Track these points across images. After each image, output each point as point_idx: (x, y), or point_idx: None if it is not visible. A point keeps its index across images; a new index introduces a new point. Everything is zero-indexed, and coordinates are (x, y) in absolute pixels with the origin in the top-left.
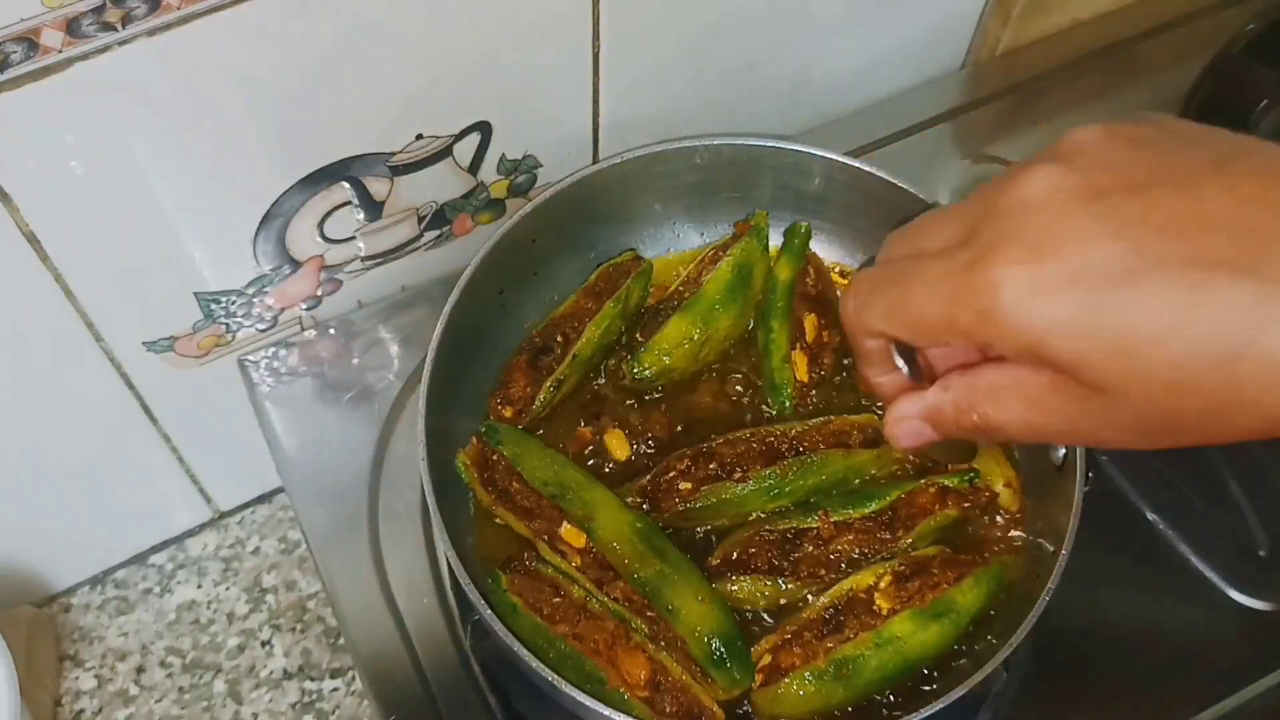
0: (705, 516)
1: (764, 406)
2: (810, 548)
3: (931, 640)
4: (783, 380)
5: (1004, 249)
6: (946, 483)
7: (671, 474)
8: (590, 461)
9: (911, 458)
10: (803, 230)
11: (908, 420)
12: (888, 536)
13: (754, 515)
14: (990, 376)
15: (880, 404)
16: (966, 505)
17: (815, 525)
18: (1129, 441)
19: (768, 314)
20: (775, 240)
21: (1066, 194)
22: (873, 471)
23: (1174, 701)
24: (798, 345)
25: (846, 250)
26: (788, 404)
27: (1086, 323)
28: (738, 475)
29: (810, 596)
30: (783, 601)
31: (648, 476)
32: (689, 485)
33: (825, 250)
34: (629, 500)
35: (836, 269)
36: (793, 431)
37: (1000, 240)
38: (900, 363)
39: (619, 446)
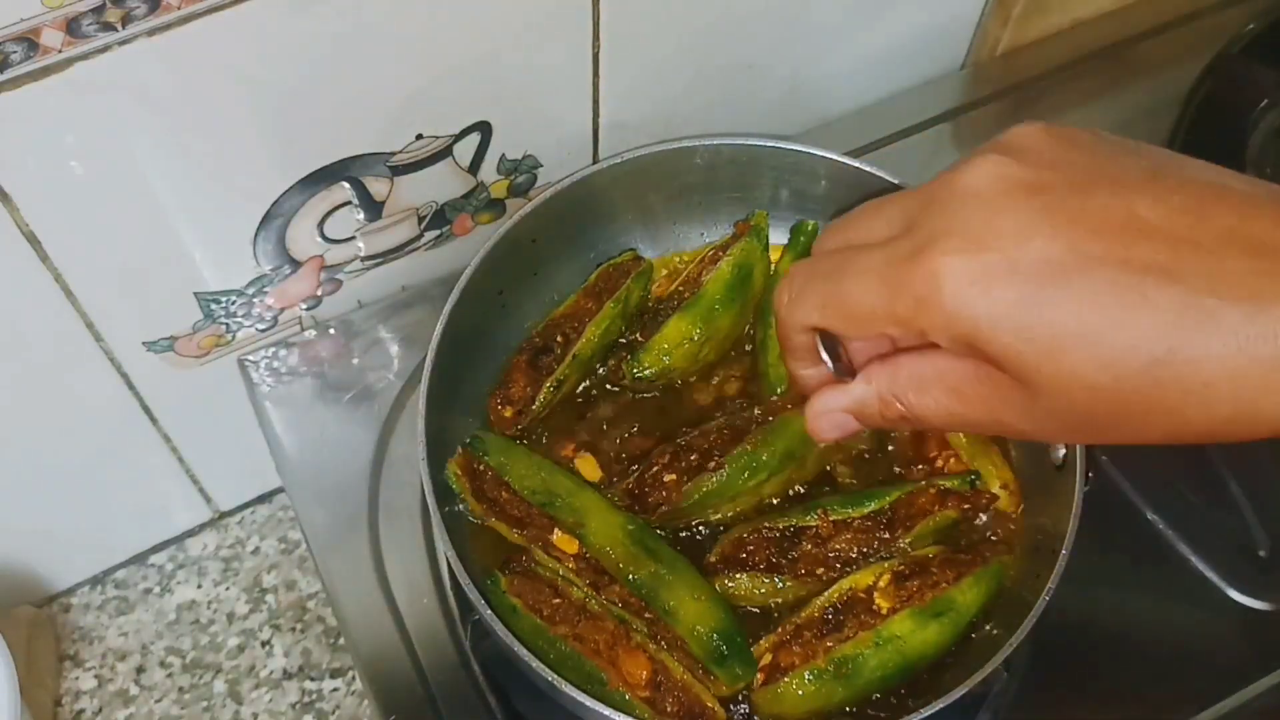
0: (696, 512)
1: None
2: (809, 546)
3: (931, 639)
4: (777, 378)
5: (944, 239)
6: (947, 485)
7: (655, 468)
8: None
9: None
10: (810, 229)
11: (831, 414)
12: (886, 536)
13: (743, 506)
14: (914, 367)
15: None
16: (966, 507)
17: (815, 524)
18: (1049, 434)
19: (765, 309)
20: (776, 239)
21: (1008, 186)
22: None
23: (1174, 701)
24: None
25: None
26: (775, 396)
27: (1021, 317)
28: (713, 464)
29: (808, 595)
30: (780, 599)
31: (632, 479)
32: (673, 477)
33: None
34: (615, 499)
35: None
36: (756, 410)
37: (941, 230)
38: (825, 357)
39: (590, 470)
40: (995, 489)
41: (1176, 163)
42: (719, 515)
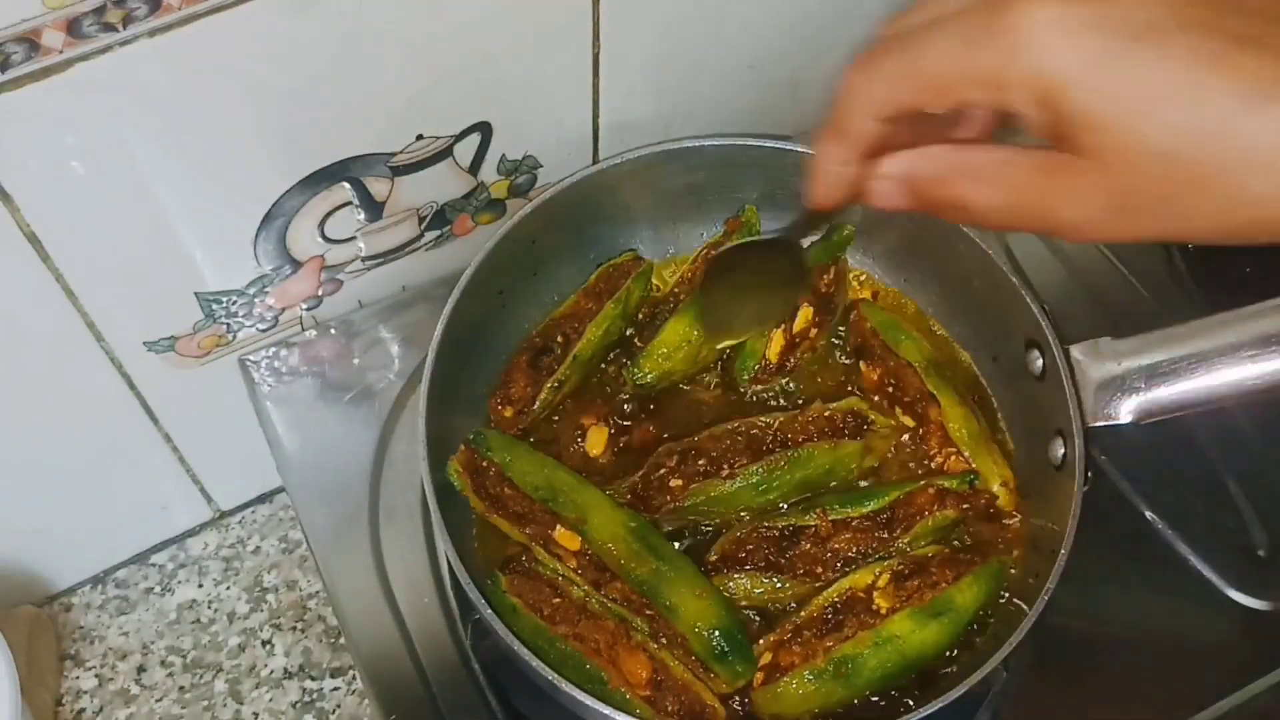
0: (697, 514)
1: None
2: (808, 545)
3: (930, 639)
4: (752, 350)
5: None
6: (946, 484)
7: (662, 471)
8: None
9: (910, 462)
10: (845, 233)
11: (890, 180)
12: (885, 536)
13: (746, 512)
14: (974, 155)
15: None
16: (965, 507)
17: (814, 523)
18: (1100, 221)
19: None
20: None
21: None
22: (856, 465)
23: (1174, 701)
24: (783, 327)
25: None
26: (746, 376)
27: (1106, 71)
28: (725, 472)
29: (807, 594)
30: (779, 599)
31: (638, 475)
32: (679, 483)
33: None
34: (614, 496)
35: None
36: (775, 423)
37: None
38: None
39: (598, 441)
40: (995, 487)
41: None
42: (717, 518)
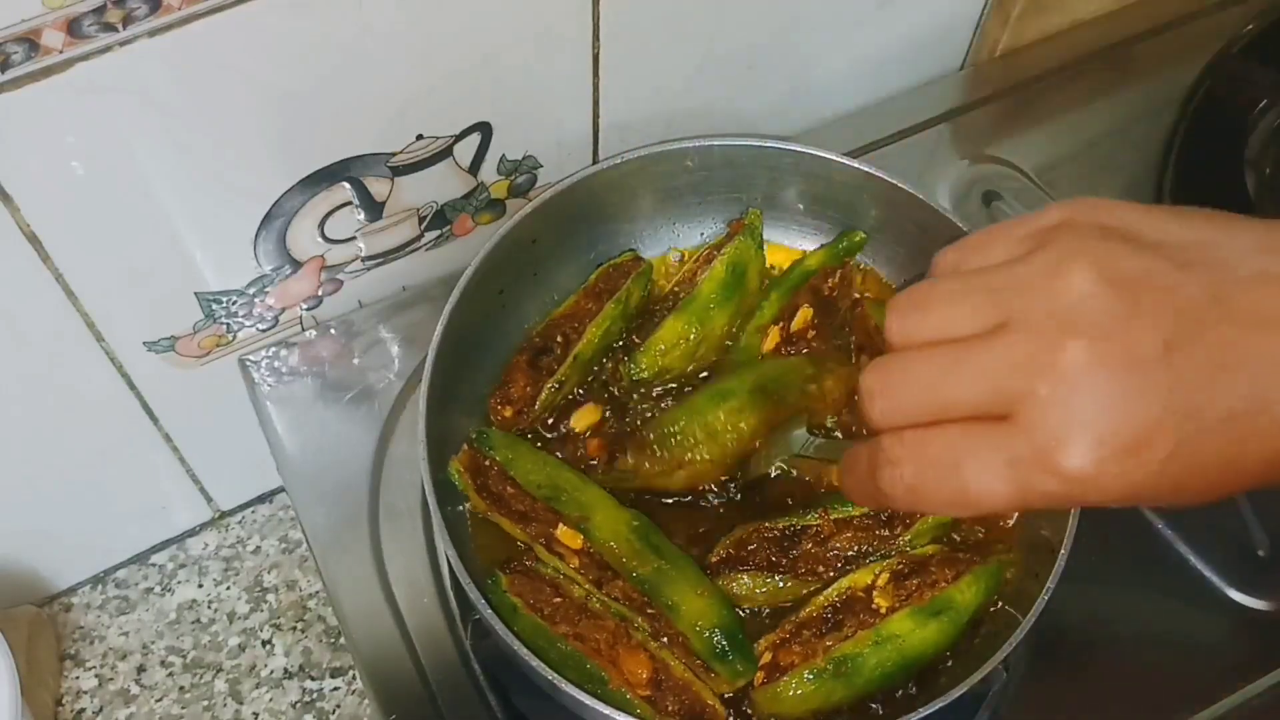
0: (671, 451)
1: None
2: (809, 545)
3: (930, 638)
4: (748, 344)
5: (1060, 433)
6: None
7: (629, 426)
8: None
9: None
10: (856, 239)
11: (906, 481)
12: (886, 534)
13: (726, 443)
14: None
15: None
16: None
17: (816, 523)
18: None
19: (774, 286)
20: (774, 238)
21: (1107, 369)
22: (811, 370)
23: (1174, 701)
24: (780, 324)
25: None
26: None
27: (1152, 486)
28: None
29: (809, 594)
30: (780, 598)
31: (609, 435)
32: (652, 416)
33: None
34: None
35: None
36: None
37: (1051, 423)
38: None
39: (590, 417)
40: None
41: (1230, 263)
42: (697, 458)
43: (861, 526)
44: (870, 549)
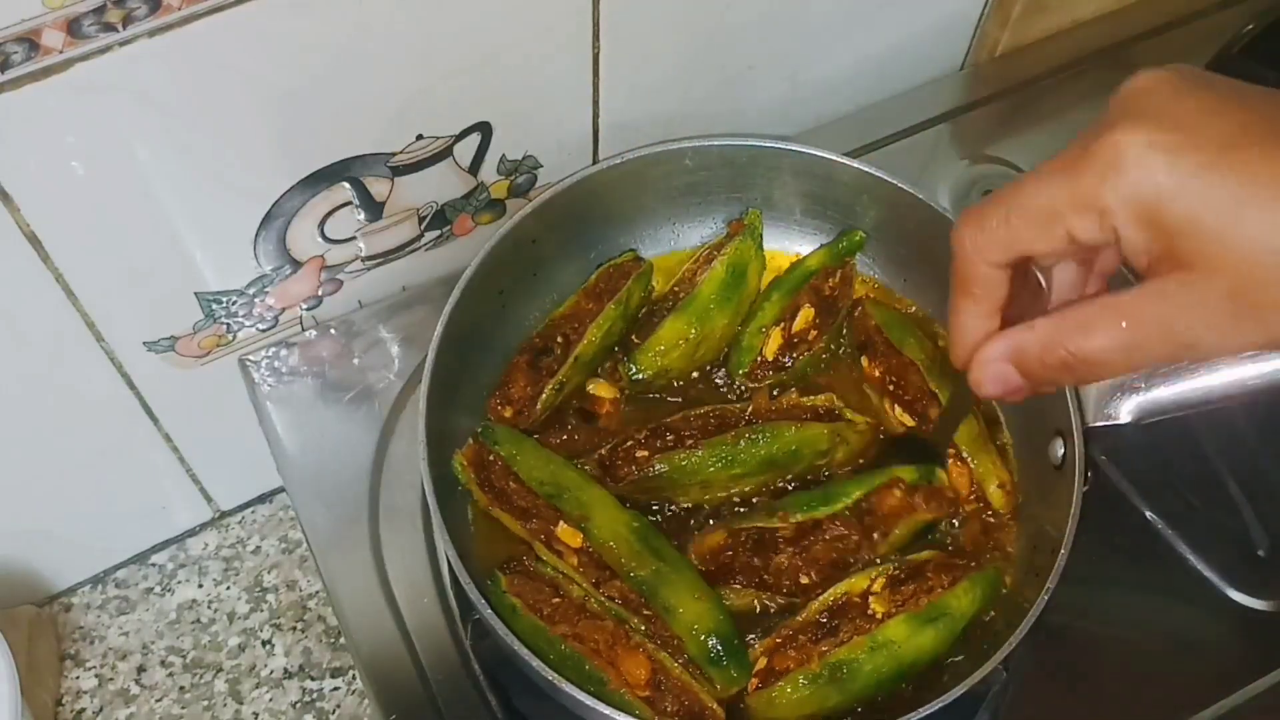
0: (664, 487)
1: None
2: (785, 559)
3: (926, 644)
4: (749, 345)
5: (1124, 120)
6: (902, 475)
7: (629, 443)
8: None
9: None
10: (856, 239)
11: (993, 363)
12: (860, 539)
13: (716, 493)
14: (1078, 311)
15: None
16: (933, 505)
17: (777, 525)
18: (1227, 329)
19: (775, 286)
20: (773, 239)
21: (1175, 88)
22: (826, 450)
23: (1174, 701)
24: (781, 325)
25: None
26: (741, 371)
27: (1199, 180)
28: (690, 443)
29: (797, 603)
30: (769, 610)
31: (606, 447)
32: (646, 454)
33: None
34: (586, 469)
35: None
36: (749, 408)
37: (1119, 115)
38: (1039, 277)
39: (605, 391)
40: (992, 488)
41: None
42: (687, 500)
43: (836, 534)
44: (849, 559)
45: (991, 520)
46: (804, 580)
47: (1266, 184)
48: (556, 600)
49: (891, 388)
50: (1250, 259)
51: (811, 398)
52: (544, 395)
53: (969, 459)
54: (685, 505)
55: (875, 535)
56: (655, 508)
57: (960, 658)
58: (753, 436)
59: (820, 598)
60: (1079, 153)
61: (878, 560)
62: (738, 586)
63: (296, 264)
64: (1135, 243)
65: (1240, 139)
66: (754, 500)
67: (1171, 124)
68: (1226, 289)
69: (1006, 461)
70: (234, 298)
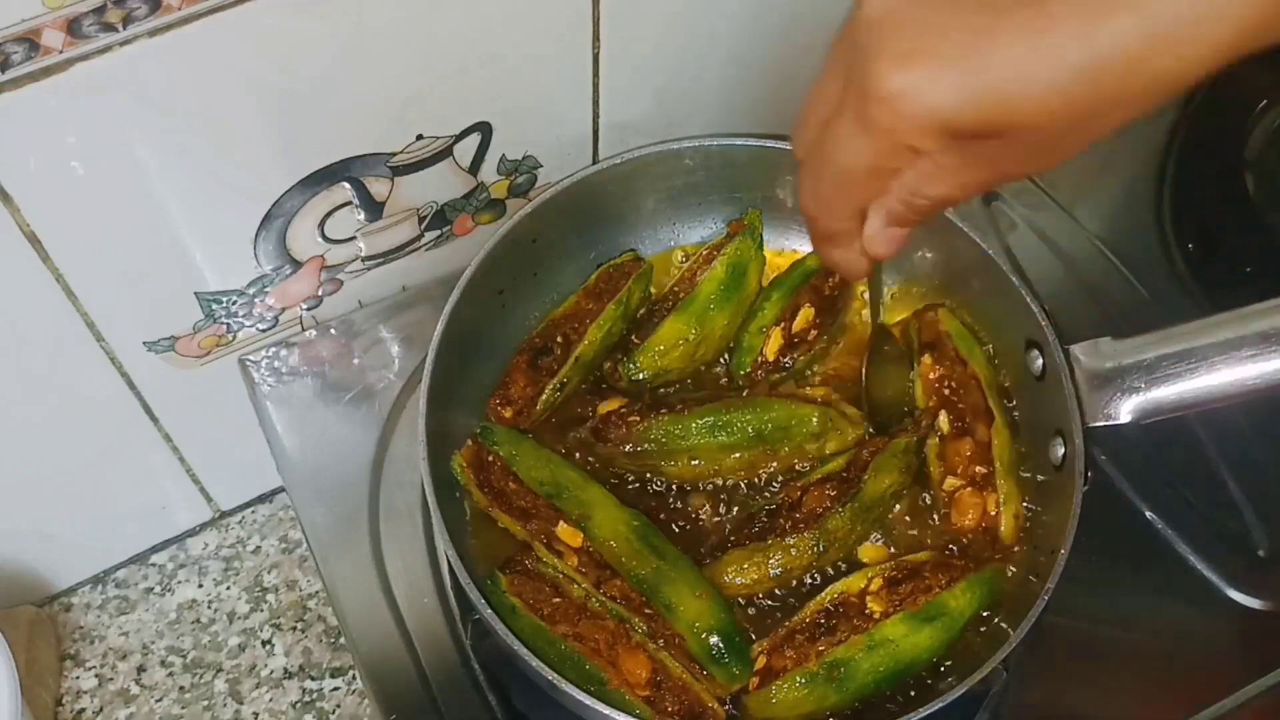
0: (653, 454)
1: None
2: (781, 520)
3: (924, 643)
4: (750, 345)
5: (877, 65)
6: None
7: (622, 410)
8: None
9: (867, 435)
10: None
11: (879, 234)
12: (849, 477)
13: (705, 465)
14: (915, 169)
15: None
16: (910, 426)
17: (782, 495)
18: (1039, 162)
19: (775, 286)
20: (772, 239)
21: (899, 4)
22: (818, 429)
23: (1174, 701)
24: (781, 325)
25: None
26: (742, 371)
27: (972, 87)
28: (679, 408)
29: (796, 566)
30: (768, 578)
31: (598, 418)
32: (636, 418)
33: None
34: (578, 436)
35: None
36: (745, 393)
37: (870, 61)
38: None
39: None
40: (1009, 516)
41: None
42: (675, 468)
43: (826, 485)
44: (838, 498)
45: (995, 546)
46: (801, 528)
47: (1021, 64)
48: (557, 600)
49: (947, 393)
50: (1041, 123)
51: (809, 389)
52: (544, 395)
53: (999, 484)
54: (671, 473)
55: (860, 470)
56: (648, 490)
57: (960, 658)
58: (744, 408)
59: (817, 598)
60: (860, 115)
61: (858, 490)
62: (731, 546)
63: (296, 264)
64: (965, 143)
65: (983, 29)
66: (743, 484)
67: (916, 45)
68: (1035, 139)
69: (1027, 495)
70: (234, 298)
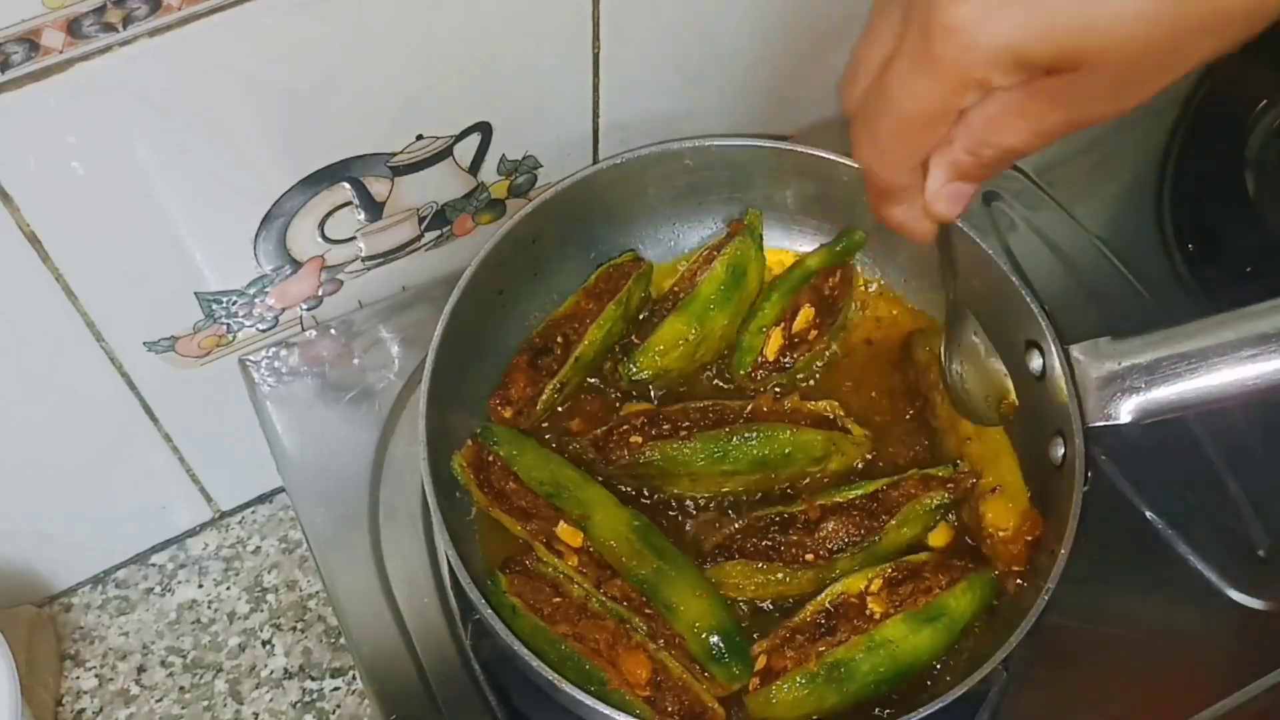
0: (654, 475)
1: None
2: (795, 535)
3: (924, 644)
4: (750, 345)
5: (941, 9)
6: (933, 472)
7: (624, 428)
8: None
9: (868, 456)
10: (856, 239)
11: (941, 191)
12: (873, 523)
13: (706, 487)
14: (982, 113)
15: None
16: (950, 486)
17: (801, 509)
18: (1117, 101)
19: (775, 286)
20: (773, 239)
21: None
22: (820, 458)
23: (1174, 701)
24: (782, 325)
25: None
26: (742, 371)
27: (1047, 12)
28: (684, 434)
29: (799, 587)
30: (771, 590)
31: (601, 429)
32: (639, 439)
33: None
34: (578, 448)
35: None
36: (747, 407)
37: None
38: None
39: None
40: (1025, 539)
41: None
42: (677, 489)
43: (848, 514)
44: (857, 537)
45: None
46: (809, 558)
47: None
48: (557, 600)
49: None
50: (1116, 54)
51: (814, 403)
52: (544, 395)
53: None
54: (673, 493)
55: (885, 516)
56: (648, 501)
57: (960, 658)
58: (746, 435)
59: (818, 599)
60: (924, 53)
61: (877, 538)
62: (739, 558)
63: (296, 264)
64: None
65: None
66: (744, 498)
67: None
68: (1110, 75)
69: (1041, 515)
70: (234, 298)
